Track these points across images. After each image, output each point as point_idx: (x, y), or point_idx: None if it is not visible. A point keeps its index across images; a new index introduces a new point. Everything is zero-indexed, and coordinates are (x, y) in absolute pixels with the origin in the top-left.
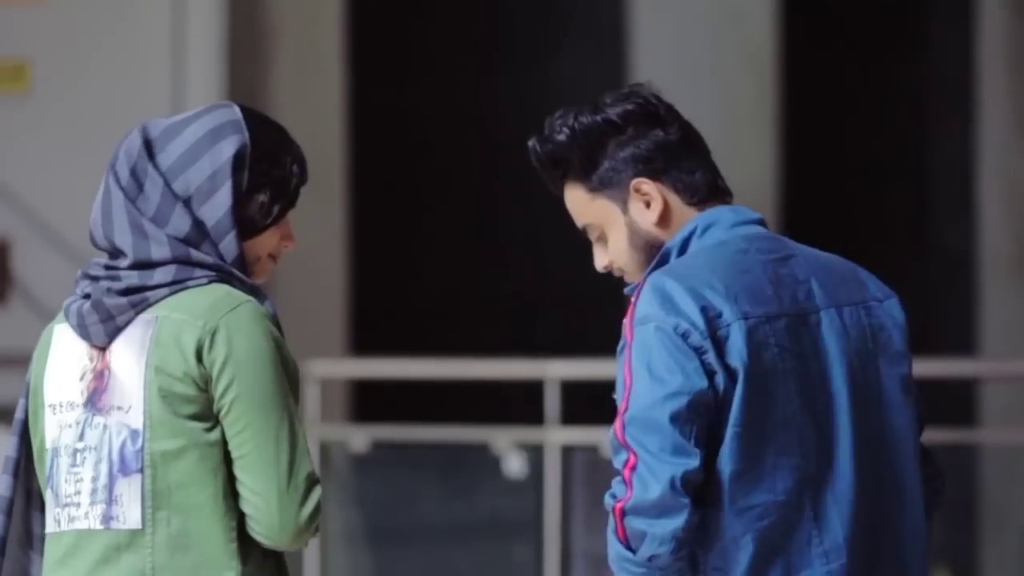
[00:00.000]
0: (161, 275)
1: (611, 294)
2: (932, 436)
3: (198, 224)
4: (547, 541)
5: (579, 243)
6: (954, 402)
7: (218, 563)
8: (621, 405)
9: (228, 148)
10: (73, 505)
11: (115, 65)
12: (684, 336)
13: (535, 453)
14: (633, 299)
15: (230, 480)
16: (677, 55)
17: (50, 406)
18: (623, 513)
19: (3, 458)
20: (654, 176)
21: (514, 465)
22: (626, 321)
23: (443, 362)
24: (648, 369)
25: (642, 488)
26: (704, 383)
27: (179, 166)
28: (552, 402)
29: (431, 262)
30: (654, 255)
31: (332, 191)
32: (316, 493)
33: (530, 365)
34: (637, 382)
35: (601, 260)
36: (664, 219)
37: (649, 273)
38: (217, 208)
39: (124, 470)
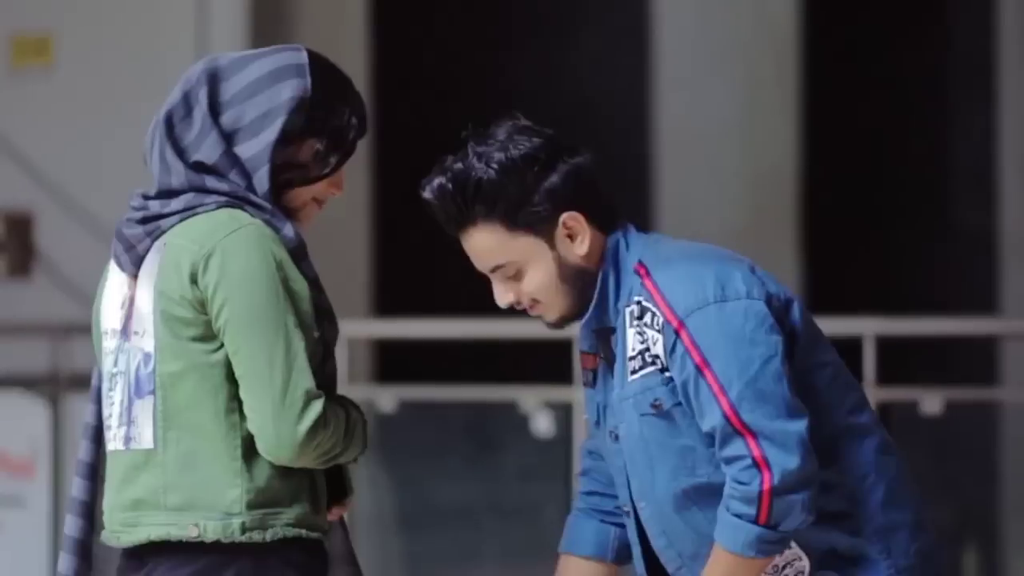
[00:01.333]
0: (177, 203)
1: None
2: (956, 395)
3: (229, 155)
4: (576, 499)
5: (606, 123)
6: (975, 361)
7: (223, 481)
8: (714, 393)
9: (287, 90)
10: (108, 428)
11: (138, 39)
12: (756, 302)
13: (563, 411)
14: (655, 299)
15: (236, 400)
16: (699, 36)
17: (103, 334)
18: (771, 495)
19: (83, 424)
20: (579, 209)
21: (542, 424)
22: (665, 318)
23: (470, 322)
24: (733, 343)
25: (781, 463)
26: (781, 337)
27: (236, 99)
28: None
29: None
30: (579, 285)
31: (358, 152)
32: (314, 409)
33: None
34: (722, 362)
35: (507, 296)
36: (590, 250)
37: (598, 300)
38: (258, 143)
39: (139, 392)
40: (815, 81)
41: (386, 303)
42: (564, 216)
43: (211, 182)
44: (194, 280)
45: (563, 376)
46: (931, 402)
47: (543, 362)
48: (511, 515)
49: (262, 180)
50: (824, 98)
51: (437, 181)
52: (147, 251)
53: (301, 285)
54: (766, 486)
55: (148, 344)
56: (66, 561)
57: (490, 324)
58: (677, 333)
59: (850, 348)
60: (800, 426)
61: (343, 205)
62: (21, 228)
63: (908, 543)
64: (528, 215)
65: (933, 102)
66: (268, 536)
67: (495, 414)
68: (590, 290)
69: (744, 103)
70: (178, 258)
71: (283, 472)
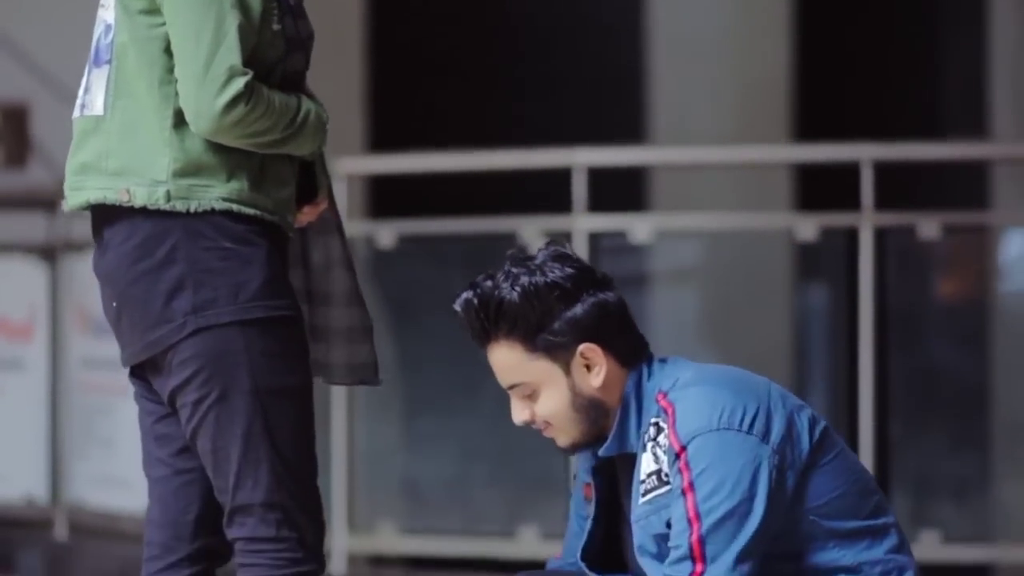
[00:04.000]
0: None
1: (633, 83)
2: (948, 219)
3: None
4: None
5: (601, 31)
6: (966, 186)
7: (154, 150)
8: (688, 518)
9: None
10: (77, 98)
11: None
12: (759, 443)
13: (562, 240)
14: (668, 419)
15: (171, 73)
16: None
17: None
18: None
19: None
20: (598, 341)
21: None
22: (670, 441)
23: (468, 154)
24: (722, 474)
25: None
26: (771, 483)
27: None
28: (579, 189)
29: (453, 53)
30: (591, 415)
31: None
32: (235, 84)
33: (556, 153)
34: (707, 490)
35: (523, 415)
36: (606, 383)
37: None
38: None
39: (98, 61)
40: None
41: (383, 138)
42: (583, 347)
43: None
44: None
45: (562, 205)
46: (928, 227)
47: (542, 192)
48: None
49: None
50: (817, 11)
51: (465, 296)
52: None
53: None
54: None
55: (109, 16)
56: None
57: (487, 156)
58: (678, 455)
59: (847, 174)
60: (744, 572)
61: (338, 41)
62: (17, 119)
63: None
64: (547, 341)
65: (926, 18)
66: (193, 207)
67: (494, 246)
68: (603, 421)
69: (737, 16)
70: None
71: (216, 147)
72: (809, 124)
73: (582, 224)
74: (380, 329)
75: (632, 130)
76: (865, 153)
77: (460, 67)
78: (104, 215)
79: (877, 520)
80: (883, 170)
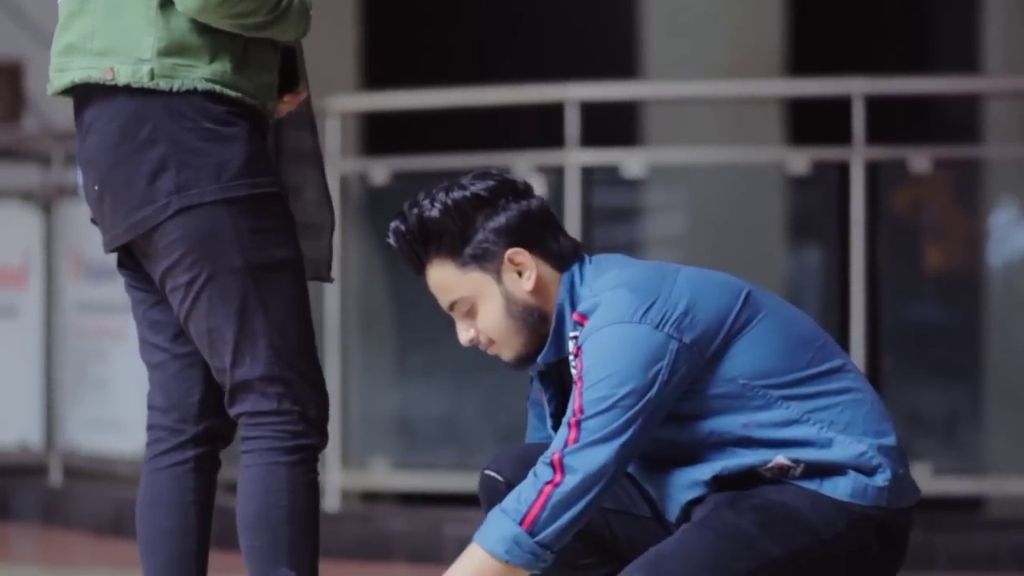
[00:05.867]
0: None
1: (626, 18)
2: (940, 153)
3: None
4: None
5: None
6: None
7: (139, 30)
8: (575, 395)
9: None
10: None
11: None
12: (655, 332)
13: (555, 175)
14: (580, 327)
15: None
16: None
17: None
18: (547, 497)
19: None
20: (525, 245)
21: (535, 187)
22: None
23: (461, 91)
24: (611, 363)
25: (579, 469)
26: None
27: None
28: (572, 124)
29: None
30: (529, 322)
31: None
32: None
33: (549, 89)
34: (592, 376)
35: (467, 334)
36: (538, 286)
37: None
38: None
39: None
40: None
41: (375, 75)
42: (509, 252)
43: None
44: None
45: (555, 140)
46: (919, 160)
47: (534, 127)
48: None
49: None
50: None
51: (393, 225)
52: None
53: None
54: (551, 484)
55: None
56: None
57: (480, 92)
58: (575, 355)
59: (839, 108)
60: (613, 454)
61: None
62: (11, 75)
63: (878, 454)
64: (474, 251)
65: None
66: (176, 86)
67: None
68: (543, 328)
69: None
70: None
71: (201, 29)
72: (801, 58)
73: (575, 159)
74: (375, 266)
75: (624, 65)
76: (857, 87)
77: (453, 3)
78: (87, 97)
79: (821, 366)
80: (875, 104)
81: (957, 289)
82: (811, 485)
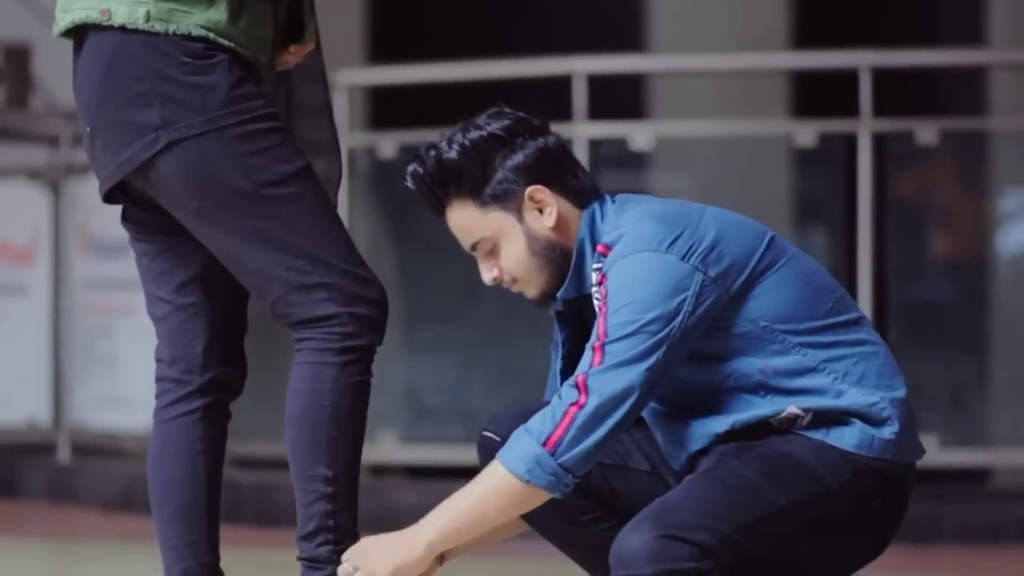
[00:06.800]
0: None
1: None
2: (946, 125)
3: None
4: None
5: None
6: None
7: None
8: (600, 319)
9: None
10: None
11: None
12: (681, 263)
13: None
14: (605, 258)
15: None
16: None
17: None
18: (573, 418)
19: None
20: (545, 182)
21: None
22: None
23: (468, 64)
24: (636, 290)
25: (601, 392)
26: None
27: None
28: (579, 97)
29: None
30: (551, 258)
31: None
32: None
33: (556, 62)
34: (618, 301)
35: (490, 273)
36: (559, 223)
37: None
38: None
39: None
40: None
41: (383, 49)
42: (530, 189)
43: None
44: None
45: (562, 113)
46: (926, 133)
47: (541, 101)
48: None
49: None
50: None
51: (412, 168)
52: None
53: None
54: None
55: None
56: None
57: (487, 66)
58: (600, 283)
59: (846, 81)
60: (638, 377)
61: None
62: (19, 58)
63: (888, 406)
64: (494, 190)
65: None
66: (172, 29)
67: None
68: (565, 264)
69: None
70: None
71: None
72: (807, 31)
73: (582, 132)
74: (382, 239)
75: (631, 38)
76: (863, 60)
77: None
78: (82, 38)
79: (839, 317)
80: (881, 77)
81: (964, 262)
82: (817, 435)
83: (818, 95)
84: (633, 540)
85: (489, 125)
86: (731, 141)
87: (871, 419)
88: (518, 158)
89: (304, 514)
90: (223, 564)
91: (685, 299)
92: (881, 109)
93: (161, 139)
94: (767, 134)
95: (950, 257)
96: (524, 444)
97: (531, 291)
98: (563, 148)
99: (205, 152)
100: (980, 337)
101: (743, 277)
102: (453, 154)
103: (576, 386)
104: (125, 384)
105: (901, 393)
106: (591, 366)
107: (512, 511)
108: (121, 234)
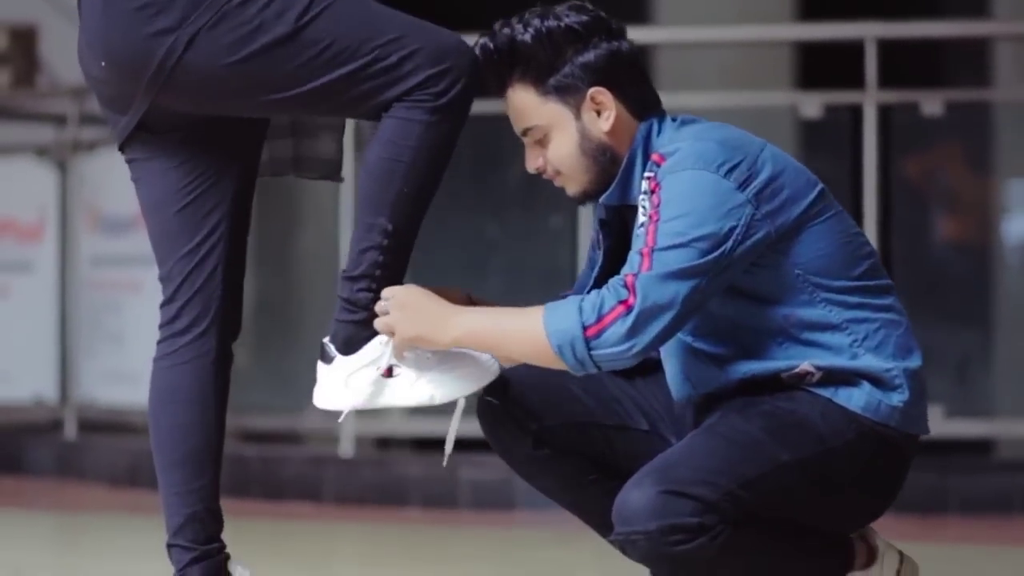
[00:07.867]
0: None
1: None
2: (951, 96)
3: None
4: (579, 213)
5: None
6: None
7: None
8: (647, 232)
9: None
10: None
11: None
12: (732, 189)
13: None
14: (659, 166)
15: None
16: None
17: None
18: (617, 317)
19: None
20: (609, 86)
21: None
22: (651, 184)
23: (473, 35)
24: (690, 206)
25: (648, 297)
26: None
27: None
28: None
29: None
30: (600, 161)
31: None
32: None
33: None
34: (669, 212)
35: (535, 162)
36: (614, 128)
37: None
38: None
39: None
40: None
41: None
42: (593, 90)
43: None
44: None
45: None
46: (931, 104)
47: None
48: (515, 223)
49: None
50: None
51: (482, 41)
52: None
53: None
54: (624, 305)
55: None
56: None
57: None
58: (652, 191)
59: (852, 52)
60: (683, 292)
61: None
62: (26, 40)
63: (901, 375)
64: (558, 82)
65: None
66: None
67: (500, 127)
68: (612, 169)
69: None
70: None
71: None
72: (813, 2)
73: None
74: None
75: (637, 11)
76: (869, 31)
77: None
78: None
79: (871, 281)
80: (887, 48)
81: (969, 234)
82: (825, 393)
83: (823, 67)
84: (636, 496)
85: (568, 16)
86: (737, 112)
87: (882, 383)
88: (589, 56)
89: (355, 257)
90: (229, 537)
91: (736, 227)
92: (886, 80)
93: (182, 38)
94: (772, 105)
95: (955, 229)
96: (569, 319)
97: (572, 187)
98: (635, 56)
99: (230, 28)
100: (985, 309)
101: (791, 220)
102: (527, 37)
103: (626, 285)
104: (132, 360)
105: (916, 365)
106: (640, 269)
107: (532, 361)
108: (128, 211)
